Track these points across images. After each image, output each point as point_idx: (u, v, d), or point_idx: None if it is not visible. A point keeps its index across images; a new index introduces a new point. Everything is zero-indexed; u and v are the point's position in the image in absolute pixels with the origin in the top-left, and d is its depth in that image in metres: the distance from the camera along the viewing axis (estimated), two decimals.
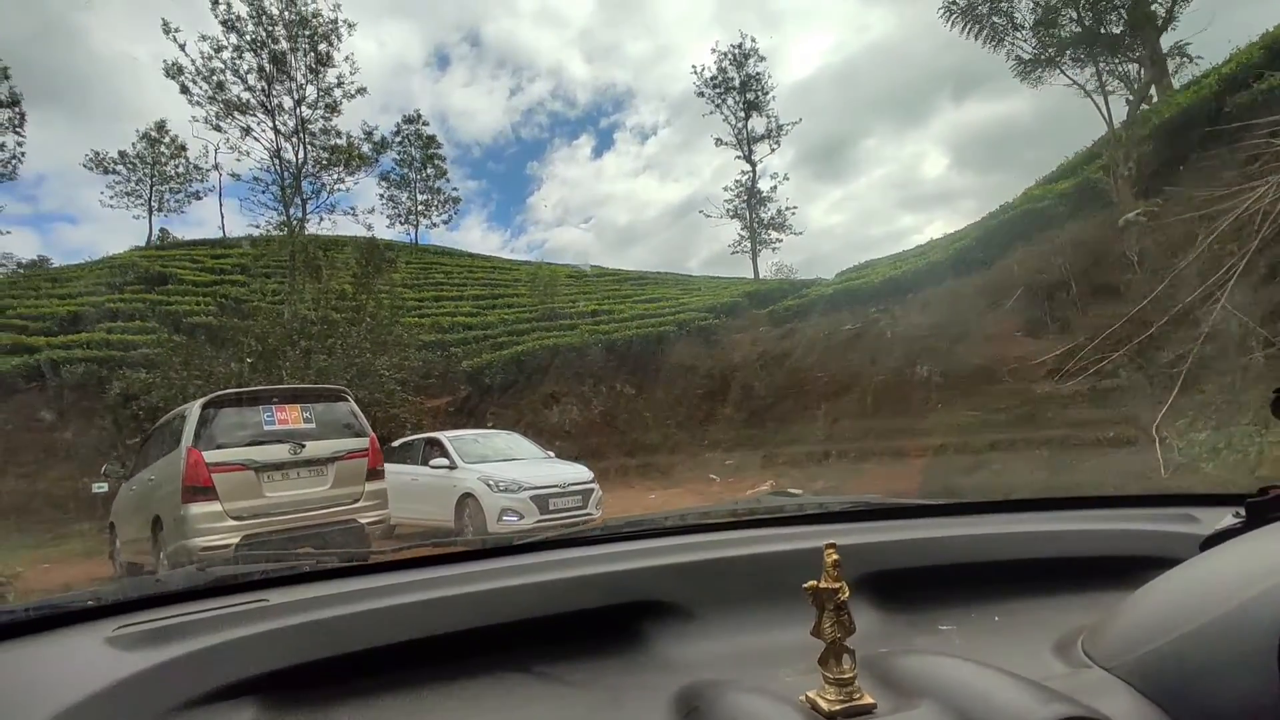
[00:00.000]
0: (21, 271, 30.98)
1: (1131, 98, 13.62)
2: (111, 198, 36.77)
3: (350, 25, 21.45)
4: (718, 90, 33.27)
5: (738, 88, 33.21)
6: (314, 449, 6.76)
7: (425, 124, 39.48)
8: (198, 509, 6.12)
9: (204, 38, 20.16)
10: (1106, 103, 12.32)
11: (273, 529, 6.32)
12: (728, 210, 34.52)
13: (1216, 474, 5.62)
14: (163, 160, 36.86)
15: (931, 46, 60.74)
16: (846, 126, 68.25)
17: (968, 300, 12.36)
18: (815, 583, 0.70)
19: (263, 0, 20.31)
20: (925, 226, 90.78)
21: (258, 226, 22.35)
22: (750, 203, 33.75)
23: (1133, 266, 9.36)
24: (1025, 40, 13.14)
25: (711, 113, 33.55)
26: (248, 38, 20.39)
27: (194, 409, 6.61)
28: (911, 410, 11.02)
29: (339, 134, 21.98)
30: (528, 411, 18.22)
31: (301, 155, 21.54)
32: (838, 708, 0.65)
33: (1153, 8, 12.90)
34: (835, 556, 0.70)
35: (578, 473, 9.39)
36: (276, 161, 21.32)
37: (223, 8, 20.02)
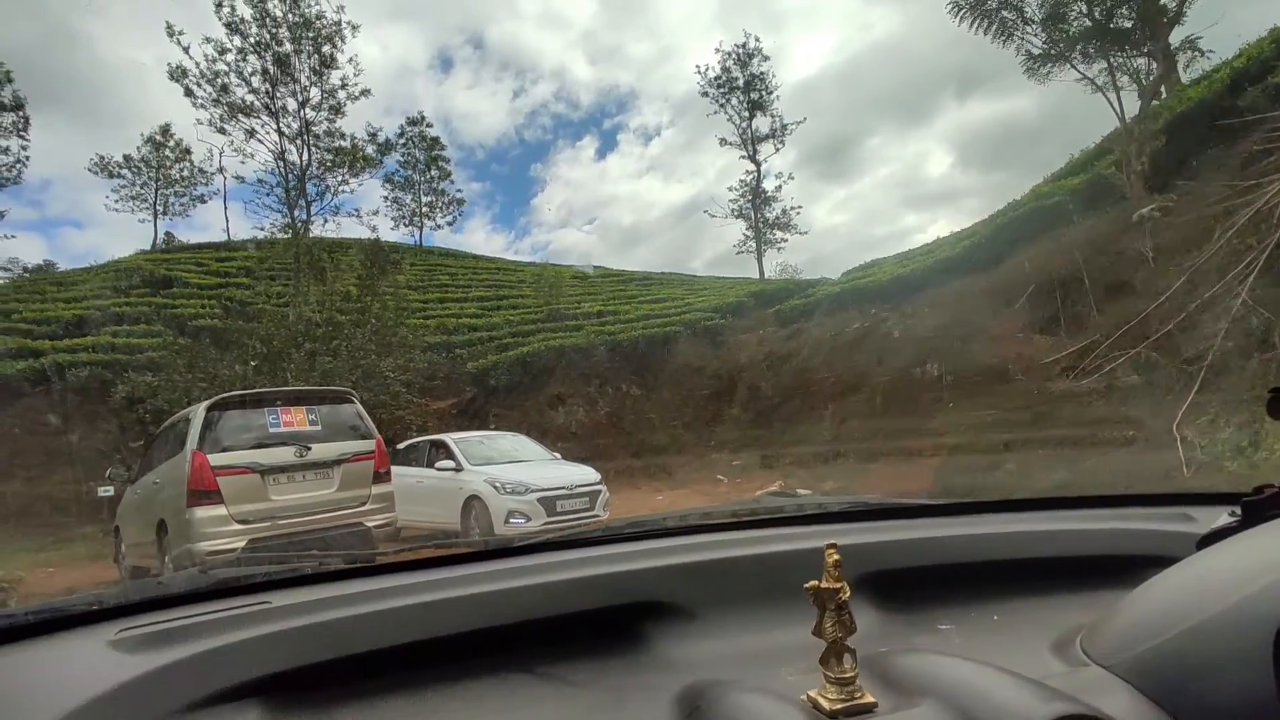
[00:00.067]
0: (27, 276, 31.03)
1: (1140, 93, 13.48)
2: (117, 201, 36.83)
3: (354, 27, 21.42)
4: (722, 90, 33.18)
5: (742, 87, 33.10)
6: (320, 451, 6.67)
7: (429, 125, 39.48)
8: (203, 513, 6.04)
9: (208, 40, 20.16)
10: (1119, 97, 12.20)
11: (279, 533, 6.24)
12: (733, 210, 34.42)
13: (1241, 472, 5.48)
14: (167, 164, 36.89)
15: (935, 45, 60.56)
16: (850, 126, 68.22)
17: (978, 298, 12.22)
18: (816, 583, 0.70)
19: (266, 2, 20.29)
20: (929, 226, 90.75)
21: (262, 229, 22.33)
22: (755, 202, 33.62)
23: (1147, 262, 9.21)
24: (1035, 35, 13.00)
25: (715, 113, 33.47)
26: (251, 40, 20.37)
27: (199, 411, 6.53)
28: (922, 410, 10.89)
29: (343, 136, 21.95)
30: (533, 413, 18.13)
31: (306, 157, 21.52)
32: (839, 706, 0.65)
33: (1162, 2, 12.76)
34: (836, 556, 0.70)
35: (585, 474, 9.30)
36: (281, 163, 21.30)
37: (226, 10, 20.01)
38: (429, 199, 39.26)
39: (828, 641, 0.68)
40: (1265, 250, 6.77)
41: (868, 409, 12.70)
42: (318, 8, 20.90)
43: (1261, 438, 5.66)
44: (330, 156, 21.51)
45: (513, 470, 9.11)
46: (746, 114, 33.22)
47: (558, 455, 10.43)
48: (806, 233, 51.31)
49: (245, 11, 20.19)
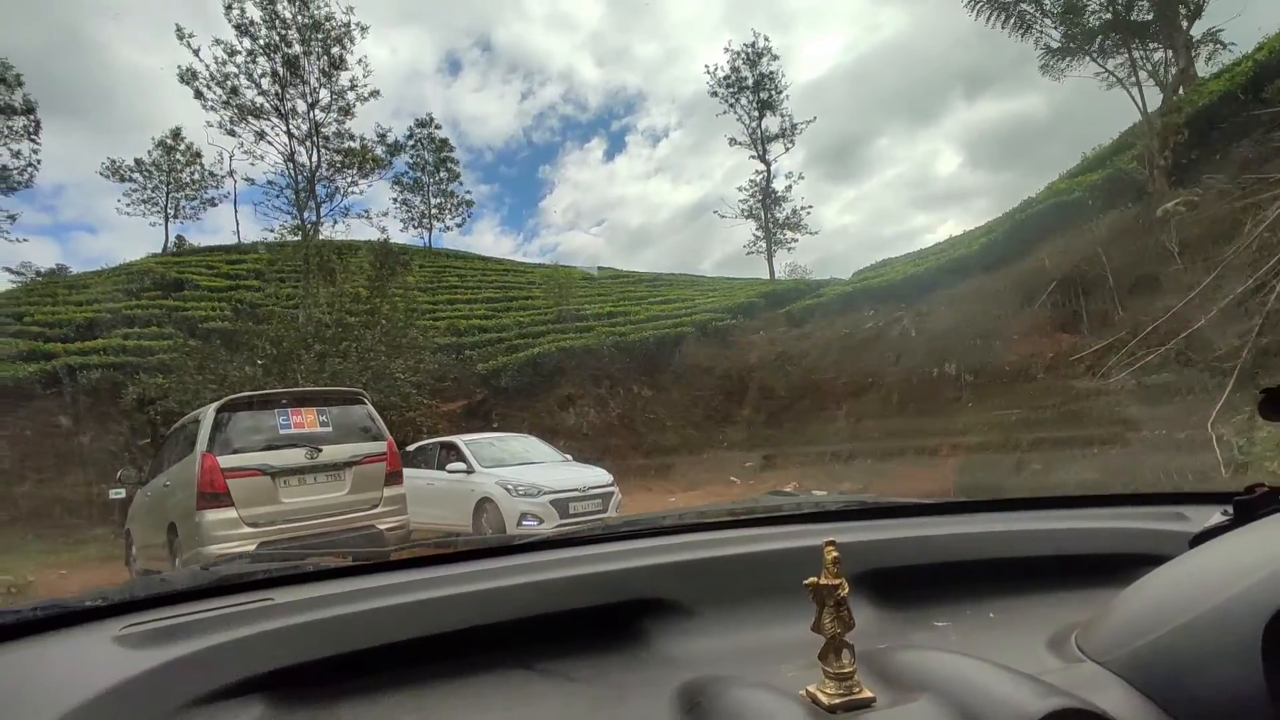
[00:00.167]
0: (39, 279, 31.21)
1: (1159, 87, 13.24)
2: (128, 205, 37.01)
3: (363, 28, 21.39)
4: (731, 90, 33.08)
5: (751, 87, 32.99)
6: (331, 453, 6.56)
7: (438, 127, 39.50)
8: (213, 515, 5.94)
9: (218, 41, 20.18)
10: (1141, 91, 11.97)
11: (289, 535, 6.13)
12: (743, 210, 34.29)
13: None
14: (178, 167, 37.08)
15: (943, 45, 60.35)
16: (858, 126, 67.95)
17: (997, 296, 12.02)
18: (816, 579, 0.70)
19: (276, 4, 20.29)
20: (938, 226, 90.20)
21: (272, 231, 22.36)
22: (765, 202, 33.48)
23: (1173, 258, 9.00)
24: (1054, 28, 12.78)
25: (725, 113, 33.40)
26: (261, 42, 20.38)
27: (208, 413, 6.43)
28: (940, 409, 10.70)
29: (352, 137, 21.93)
30: (544, 414, 18.04)
31: (315, 159, 21.51)
32: (838, 701, 0.65)
33: None
34: (835, 553, 0.70)
35: (597, 476, 9.20)
36: (290, 165, 21.30)
37: (236, 12, 20.03)
38: (438, 201, 39.28)
39: (827, 637, 0.69)
40: None
41: (883, 409, 12.52)
42: (327, 9, 20.92)
43: None
44: (340, 158, 21.50)
45: (524, 472, 9.01)
46: (756, 113, 33.13)
47: (569, 457, 10.32)
48: (817, 233, 51.30)
49: (255, 13, 20.23)
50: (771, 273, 33.59)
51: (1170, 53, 13.16)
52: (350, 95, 21.61)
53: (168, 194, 37.05)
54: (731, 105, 33.10)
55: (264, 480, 6.19)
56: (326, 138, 21.52)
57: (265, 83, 20.75)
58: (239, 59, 20.35)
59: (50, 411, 17.27)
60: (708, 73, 33.55)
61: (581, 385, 18.97)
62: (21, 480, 15.13)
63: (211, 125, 20.90)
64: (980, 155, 64.93)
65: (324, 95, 21.43)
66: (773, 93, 32.95)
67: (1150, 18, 11.92)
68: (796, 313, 20.54)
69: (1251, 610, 0.60)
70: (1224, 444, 5.90)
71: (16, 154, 27.46)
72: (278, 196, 21.65)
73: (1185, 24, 12.02)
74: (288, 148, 21.24)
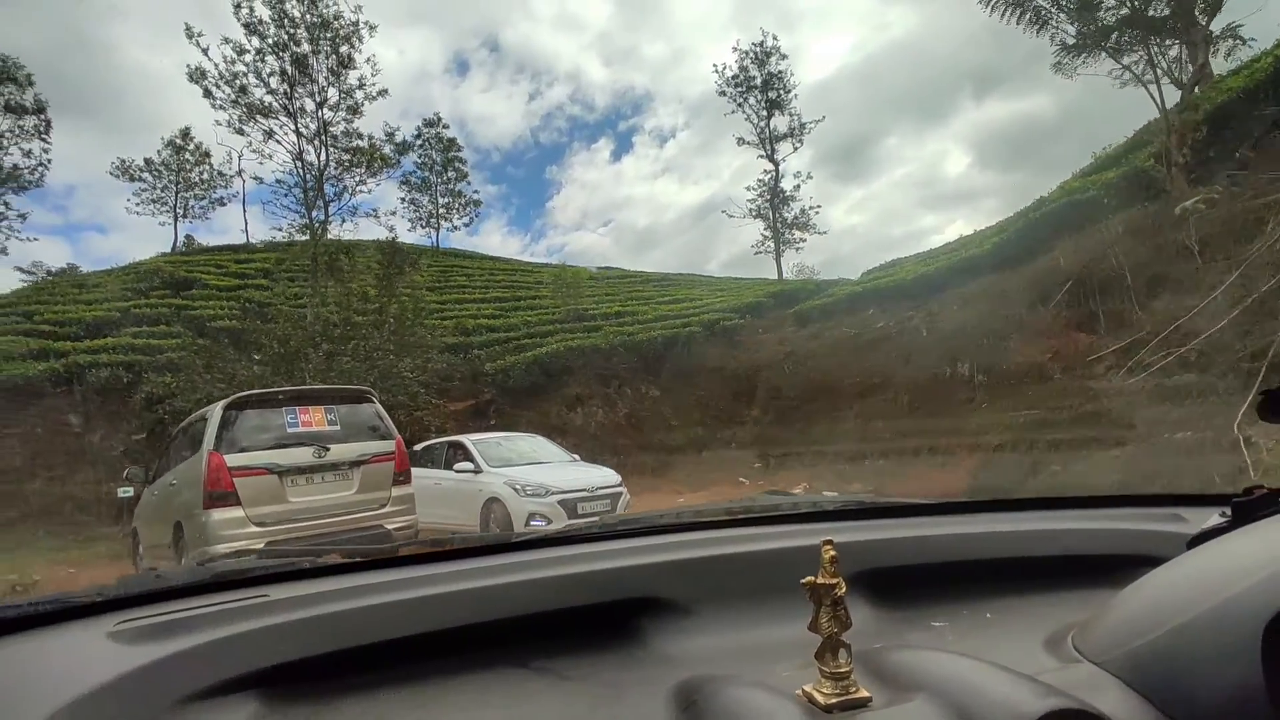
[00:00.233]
0: (50, 278, 31.37)
1: (1175, 84, 13.05)
2: (138, 205, 37.19)
3: (371, 27, 21.36)
4: (739, 89, 32.91)
5: (759, 86, 32.82)
6: (339, 452, 6.49)
7: (446, 127, 39.49)
8: (219, 515, 5.87)
9: (226, 40, 20.18)
10: (1159, 87, 11.78)
11: (296, 535, 6.07)
12: (751, 210, 34.13)
13: None
14: (187, 167, 37.22)
15: (952, 44, 60.16)
16: (866, 126, 67.79)
17: (1010, 295, 11.86)
18: (813, 578, 0.70)
19: (284, 3, 20.28)
20: (947, 226, 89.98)
21: (280, 229, 22.33)
22: (774, 202, 33.31)
23: (1192, 256, 8.84)
24: (1069, 24, 12.60)
25: (733, 112, 33.19)
26: (270, 40, 20.37)
27: (215, 411, 6.37)
28: (953, 410, 10.55)
29: (360, 136, 21.90)
30: (551, 414, 17.97)
31: (323, 157, 21.49)
32: (834, 701, 0.65)
33: None
34: (833, 552, 0.70)
35: (605, 476, 9.13)
36: (299, 164, 21.29)
37: (245, 11, 20.02)
38: (445, 200, 39.28)
39: (823, 636, 0.69)
40: None
41: (894, 409, 12.38)
42: (335, 8, 20.90)
43: None
44: (348, 157, 21.47)
45: (532, 472, 8.95)
46: (764, 113, 32.95)
47: (577, 457, 10.24)
48: (825, 232, 50.94)
49: (263, 12, 20.23)
50: (780, 273, 33.46)
51: (1187, 49, 12.96)
52: (358, 94, 21.60)
53: (177, 193, 37.22)
54: (740, 105, 32.94)
55: (271, 479, 6.13)
56: (335, 137, 21.51)
57: (274, 81, 20.76)
58: (247, 58, 20.38)
59: (60, 410, 17.31)
60: (716, 72, 33.37)
61: (589, 385, 18.90)
62: (32, 478, 15.16)
63: (220, 124, 20.93)
64: (989, 155, 64.72)
65: (332, 94, 21.42)
66: (781, 92, 32.77)
67: (1168, 13, 11.72)
68: (805, 313, 20.41)
69: (1250, 611, 0.60)
70: (1251, 446, 5.76)
71: (27, 153, 27.61)
72: (286, 195, 21.65)
73: (1204, 19, 11.83)
74: (296, 146, 21.24)
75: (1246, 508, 0.83)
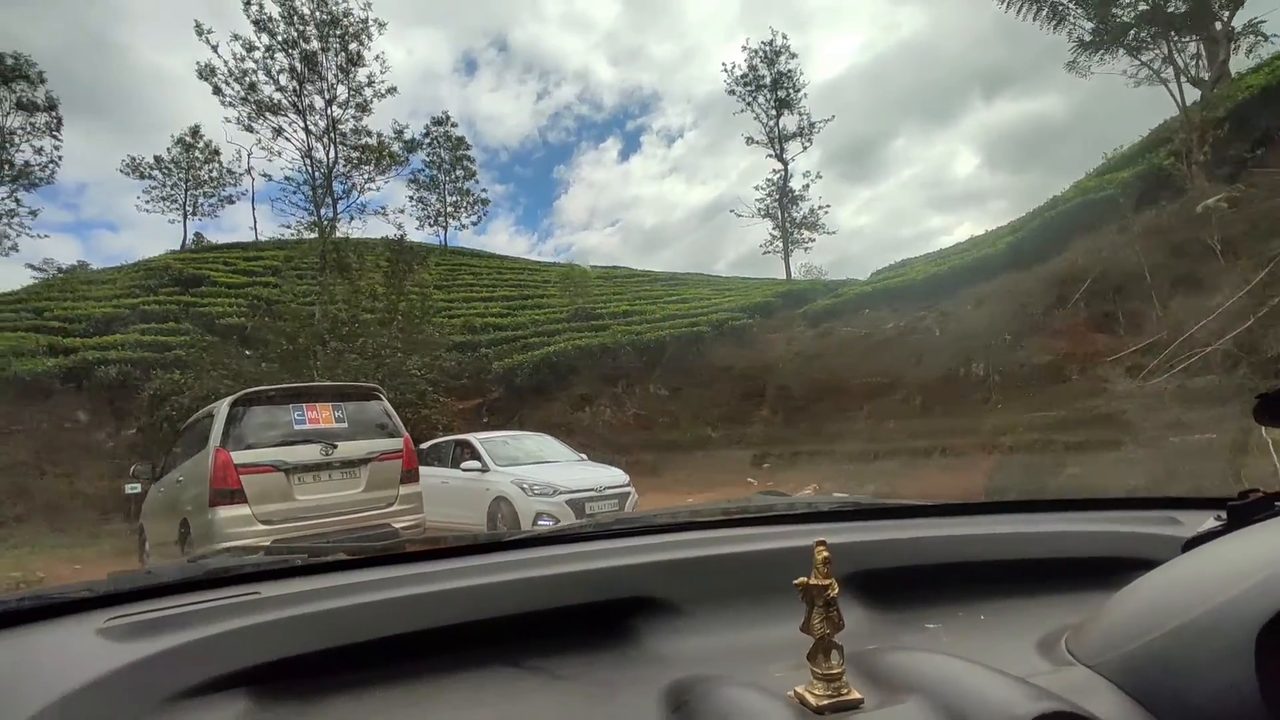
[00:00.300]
0: (61, 275, 31.52)
1: (1190, 82, 12.84)
2: (147, 202, 37.37)
3: (380, 24, 21.36)
4: (749, 88, 32.80)
5: (769, 85, 32.70)
6: (346, 450, 6.42)
7: (454, 125, 39.52)
8: (225, 512, 5.80)
9: (236, 37, 20.19)
10: (1180, 85, 11.59)
11: (303, 533, 5.99)
12: (759, 209, 33.99)
13: None
14: (197, 165, 37.35)
15: (961, 45, 59.84)
16: (875, 127, 67.56)
17: (1026, 295, 11.68)
18: (806, 579, 0.70)
19: (294, 0, 20.27)
20: (955, 227, 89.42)
21: (288, 227, 22.33)
22: (782, 201, 33.18)
23: (1214, 256, 8.66)
24: (1087, 19, 12.41)
25: (742, 111, 33.13)
26: (279, 38, 20.37)
27: (222, 408, 6.31)
28: (968, 411, 10.39)
29: (369, 133, 21.88)
30: (559, 413, 17.88)
31: (332, 155, 21.48)
32: (825, 702, 0.65)
33: None
34: (826, 553, 0.70)
35: (613, 476, 9.04)
36: (308, 161, 21.28)
37: (255, 8, 20.03)
38: (454, 199, 39.31)
39: (815, 638, 0.69)
40: None
41: (906, 410, 12.22)
42: (345, 5, 20.89)
43: None
44: (356, 154, 21.46)
45: (540, 471, 8.87)
46: (773, 112, 32.82)
47: (584, 456, 10.16)
48: (835, 232, 50.77)
49: (273, 9, 20.23)
50: (788, 273, 33.32)
51: (1206, 46, 12.76)
52: (367, 92, 21.62)
53: (186, 191, 37.39)
54: (749, 104, 32.85)
55: (278, 477, 6.06)
56: (344, 134, 21.53)
57: (283, 79, 20.79)
58: (257, 55, 20.39)
59: (69, 406, 17.34)
60: (725, 71, 33.27)
61: (597, 384, 18.82)
62: (40, 474, 15.18)
63: (230, 121, 20.97)
64: (998, 156, 64.40)
65: (341, 92, 21.44)
66: (790, 91, 32.66)
67: (1187, 9, 11.52)
68: (815, 313, 20.27)
69: (1244, 616, 0.60)
70: None
71: (39, 150, 27.75)
72: (295, 193, 21.66)
73: (1226, 15, 11.63)
74: (305, 144, 21.25)
75: (1242, 511, 0.83)
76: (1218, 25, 11.73)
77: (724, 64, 36.08)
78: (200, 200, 37.83)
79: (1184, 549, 0.83)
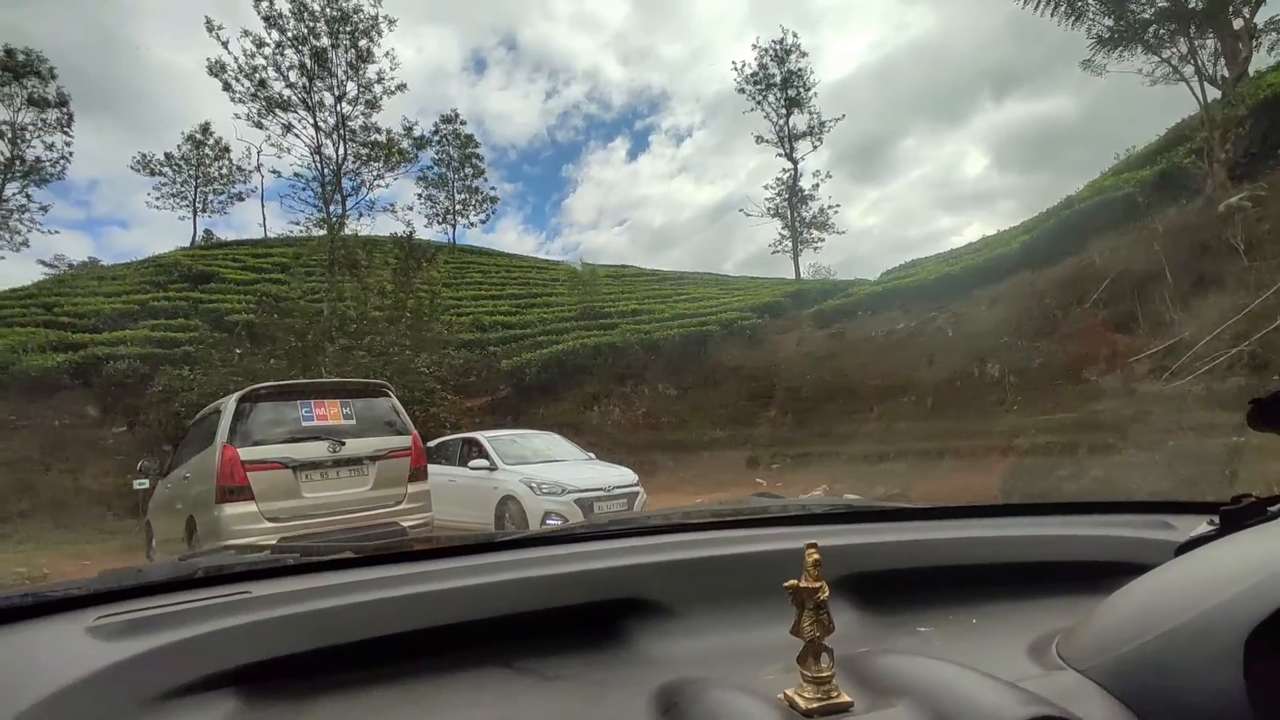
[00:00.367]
0: (71, 271, 31.68)
1: (1207, 80, 12.62)
2: (158, 199, 37.51)
3: (390, 21, 21.30)
4: (759, 87, 32.63)
5: (779, 84, 32.53)
6: (354, 447, 6.33)
7: (463, 123, 39.51)
8: (232, 509, 5.73)
9: (246, 33, 20.18)
10: (1201, 82, 11.39)
11: (310, 531, 5.91)
12: (769, 209, 33.83)
13: None
14: (207, 162, 37.48)
15: (971, 45, 59.48)
16: (884, 127, 67.22)
17: (1042, 295, 11.51)
18: (796, 581, 0.70)
19: None
20: (964, 228, 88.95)
21: (297, 223, 22.32)
22: (792, 201, 33.01)
23: (1238, 255, 8.49)
24: (1106, 16, 12.22)
25: (752, 110, 32.97)
26: (289, 34, 20.35)
27: (229, 404, 6.23)
28: (982, 412, 10.24)
29: (379, 130, 21.83)
30: (567, 412, 17.81)
31: (342, 151, 21.45)
32: (815, 705, 0.65)
33: None
34: (816, 556, 0.70)
35: (622, 475, 8.96)
36: (317, 158, 21.25)
37: (265, 4, 20.01)
38: (462, 196, 39.31)
39: (805, 640, 0.69)
40: None
41: (918, 411, 12.07)
42: (355, 1, 20.85)
43: None
44: (365, 151, 21.42)
45: (548, 470, 8.79)
46: (783, 110, 32.65)
47: (592, 455, 10.07)
48: (844, 232, 50.51)
49: (284, 5, 20.20)
50: (797, 272, 33.18)
51: (1223, 42, 12.54)
52: (377, 88, 21.54)
53: (196, 188, 37.50)
54: (759, 102, 32.67)
55: (285, 474, 5.98)
56: (353, 131, 21.47)
57: (293, 75, 20.74)
58: (267, 51, 20.36)
59: (78, 401, 17.39)
60: (735, 69, 33.11)
61: (606, 383, 18.74)
62: (48, 470, 15.20)
63: (239, 118, 20.94)
64: (1007, 157, 63.98)
65: (351, 88, 21.39)
66: (800, 89, 32.48)
67: (1207, 5, 11.30)
68: (824, 312, 20.13)
69: (1234, 621, 0.60)
70: None
71: (49, 146, 27.87)
72: (304, 189, 21.64)
73: (1247, 12, 11.43)
74: (314, 140, 21.21)
75: (1234, 515, 0.83)
76: (1239, 22, 11.53)
77: (734, 62, 35.92)
78: (210, 197, 38.01)
79: (1176, 553, 0.83)
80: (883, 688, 0.69)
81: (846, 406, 14.15)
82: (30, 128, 27.61)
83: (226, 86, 20.34)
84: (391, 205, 29.90)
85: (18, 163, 27.61)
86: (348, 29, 20.84)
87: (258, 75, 20.43)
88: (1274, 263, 7.60)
